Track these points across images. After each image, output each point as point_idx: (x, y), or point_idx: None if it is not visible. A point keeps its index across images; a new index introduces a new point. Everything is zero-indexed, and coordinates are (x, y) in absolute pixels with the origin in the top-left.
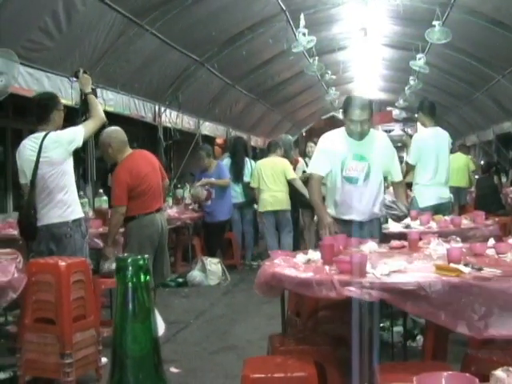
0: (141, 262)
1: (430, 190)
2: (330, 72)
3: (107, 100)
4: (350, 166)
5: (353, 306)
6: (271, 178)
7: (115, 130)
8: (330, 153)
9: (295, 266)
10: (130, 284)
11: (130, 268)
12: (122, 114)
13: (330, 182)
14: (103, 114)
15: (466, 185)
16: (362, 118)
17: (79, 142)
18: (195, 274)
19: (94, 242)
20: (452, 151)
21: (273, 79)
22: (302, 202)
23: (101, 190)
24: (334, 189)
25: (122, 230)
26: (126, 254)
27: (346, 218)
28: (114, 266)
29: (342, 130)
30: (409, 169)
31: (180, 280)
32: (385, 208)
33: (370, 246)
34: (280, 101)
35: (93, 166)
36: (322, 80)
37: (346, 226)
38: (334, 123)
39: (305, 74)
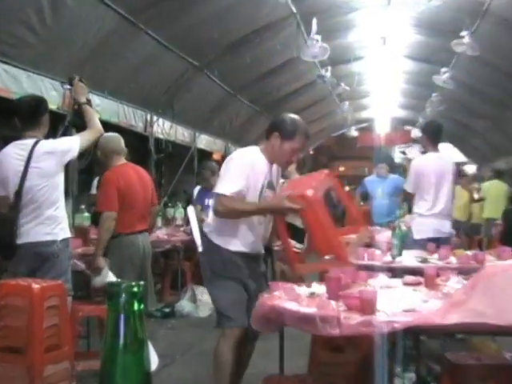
0: (135, 289)
1: (427, 222)
2: (343, 84)
3: (94, 106)
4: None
5: (375, 348)
6: None
7: (110, 137)
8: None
9: (297, 299)
10: (122, 312)
11: (123, 295)
12: (109, 121)
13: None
14: (100, 126)
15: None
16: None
17: (74, 153)
18: (184, 304)
19: (74, 263)
20: (483, 178)
21: (279, 90)
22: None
23: (82, 206)
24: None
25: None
26: (118, 279)
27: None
28: (109, 279)
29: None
30: (409, 197)
31: (167, 310)
32: None
33: (382, 281)
34: None
35: (74, 179)
36: (335, 93)
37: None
38: (344, 142)
39: (315, 85)
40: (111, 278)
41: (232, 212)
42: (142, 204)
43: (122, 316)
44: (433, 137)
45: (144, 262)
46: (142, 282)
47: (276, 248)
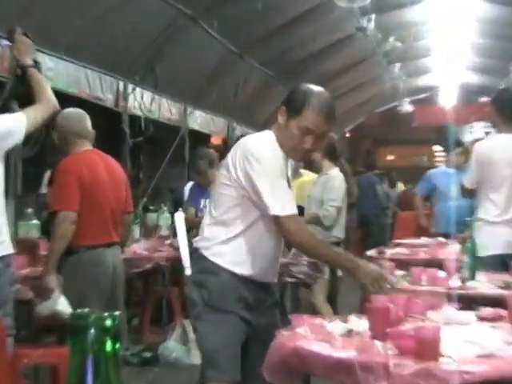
0: (108, 322)
1: (496, 232)
2: (392, 39)
3: (45, 70)
4: None
5: None
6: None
7: (71, 114)
8: None
9: (328, 338)
10: (90, 355)
11: (92, 330)
12: (65, 92)
13: None
14: (54, 99)
15: None
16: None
17: (20, 137)
18: (171, 347)
19: (17, 288)
20: None
21: (302, 48)
22: None
23: (29, 210)
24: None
25: None
26: (85, 310)
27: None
28: (59, 305)
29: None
30: (469, 195)
31: (147, 355)
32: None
33: (447, 314)
34: (312, 82)
35: (17, 173)
36: (381, 51)
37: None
38: (394, 120)
39: (354, 40)
40: (63, 305)
41: (312, 250)
42: (113, 206)
43: (90, 360)
44: (507, 111)
45: (114, 288)
46: (117, 313)
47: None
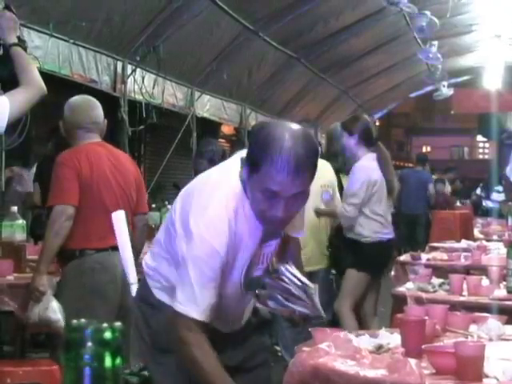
0: (107, 334)
1: None
2: (429, 13)
3: (31, 48)
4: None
5: None
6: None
7: (77, 103)
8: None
9: (355, 355)
10: (87, 370)
11: (89, 343)
12: (56, 73)
13: None
14: (41, 81)
15: None
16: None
17: (3, 123)
18: None
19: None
20: None
21: (326, 24)
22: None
23: (14, 208)
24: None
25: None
26: (82, 320)
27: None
28: (50, 312)
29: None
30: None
31: (147, 373)
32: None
33: (492, 328)
34: (337, 62)
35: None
36: (415, 28)
37: None
38: (431, 106)
39: (384, 16)
40: (55, 311)
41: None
42: (120, 205)
43: (87, 377)
44: None
45: (123, 297)
46: (118, 323)
47: None
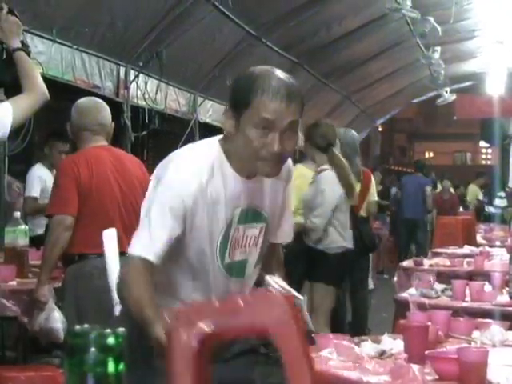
0: (111, 340)
1: None
2: (432, 19)
3: (34, 54)
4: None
5: None
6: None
7: (85, 105)
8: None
9: (358, 362)
10: (90, 378)
11: (92, 349)
12: (59, 79)
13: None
14: (44, 86)
15: None
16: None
17: (6, 129)
18: None
19: (2, 304)
20: None
21: (329, 29)
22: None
23: (16, 214)
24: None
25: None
26: (85, 326)
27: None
28: (53, 322)
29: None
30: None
31: None
32: None
33: (495, 334)
34: (339, 68)
35: (3, 171)
36: (418, 33)
37: None
38: (434, 112)
39: (387, 21)
40: (57, 321)
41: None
42: (123, 210)
43: (91, 380)
44: None
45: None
46: (121, 329)
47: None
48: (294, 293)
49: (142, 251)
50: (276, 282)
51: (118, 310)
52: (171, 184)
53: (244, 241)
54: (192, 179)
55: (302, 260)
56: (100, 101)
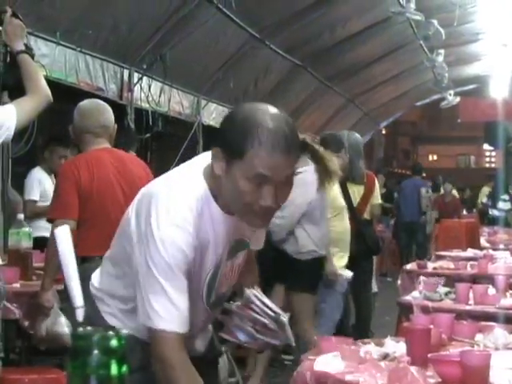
0: (114, 342)
1: None
2: (435, 22)
3: (38, 56)
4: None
5: None
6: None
7: (87, 106)
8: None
9: (359, 365)
10: (93, 380)
11: (96, 351)
12: (63, 81)
13: None
14: (47, 89)
15: None
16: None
17: (10, 131)
18: None
19: (5, 306)
20: None
21: (332, 32)
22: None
23: (20, 216)
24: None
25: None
26: (88, 328)
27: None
28: (59, 326)
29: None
30: None
31: None
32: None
33: (498, 338)
34: (343, 71)
35: (6, 173)
36: (421, 36)
37: None
38: (437, 115)
39: (390, 24)
40: (63, 325)
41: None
42: (125, 210)
43: (94, 382)
44: None
45: None
46: (124, 332)
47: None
48: (277, 309)
49: (175, 326)
50: (256, 296)
51: (80, 314)
52: (168, 239)
53: (230, 273)
54: (187, 227)
55: (270, 262)
56: (102, 103)
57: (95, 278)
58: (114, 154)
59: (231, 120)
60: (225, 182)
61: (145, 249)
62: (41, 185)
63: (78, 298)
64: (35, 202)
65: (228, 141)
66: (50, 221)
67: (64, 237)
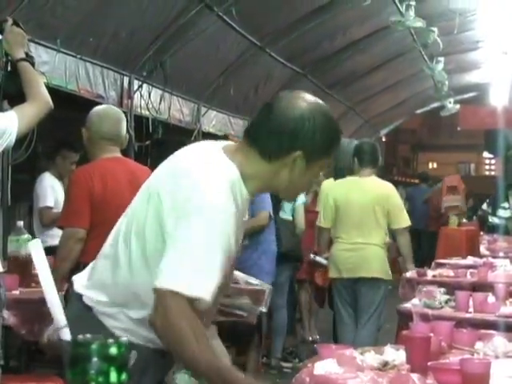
0: (113, 350)
1: None
2: (436, 30)
3: (38, 63)
4: None
5: None
6: (358, 215)
7: (108, 112)
8: None
9: (359, 372)
10: None
11: (95, 359)
12: (63, 88)
13: None
14: (48, 95)
15: None
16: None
17: (12, 138)
18: (179, 379)
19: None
20: None
21: (332, 40)
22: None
23: (19, 223)
24: None
25: None
26: (87, 336)
27: None
28: (63, 333)
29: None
30: None
31: None
32: None
33: (498, 346)
34: (343, 78)
35: (6, 180)
36: (421, 44)
37: None
38: (437, 123)
39: (390, 32)
40: (65, 333)
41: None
42: None
43: None
44: None
45: None
46: (124, 339)
47: None
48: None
49: (198, 290)
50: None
51: (66, 334)
52: (215, 218)
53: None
54: (231, 208)
55: None
56: (120, 111)
57: (98, 294)
58: (126, 165)
59: (313, 122)
60: (295, 179)
61: (197, 220)
62: (54, 191)
63: (60, 317)
64: (51, 208)
65: (313, 143)
66: (61, 227)
67: (38, 250)
